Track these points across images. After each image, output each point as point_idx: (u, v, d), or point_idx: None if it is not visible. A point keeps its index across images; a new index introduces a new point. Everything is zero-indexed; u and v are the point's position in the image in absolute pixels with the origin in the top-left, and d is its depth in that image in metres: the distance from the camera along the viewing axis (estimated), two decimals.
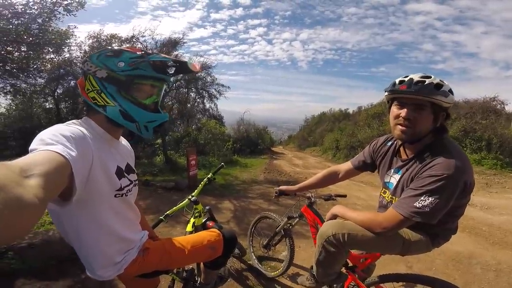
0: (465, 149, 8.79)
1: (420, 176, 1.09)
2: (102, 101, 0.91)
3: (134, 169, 1.12)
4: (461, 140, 9.07)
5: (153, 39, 8.42)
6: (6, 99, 8.01)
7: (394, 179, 1.28)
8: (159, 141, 9.78)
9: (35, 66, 6.03)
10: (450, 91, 1.09)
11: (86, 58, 0.95)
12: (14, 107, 9.49)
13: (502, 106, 10.30)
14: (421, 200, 1.04)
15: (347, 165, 1.63)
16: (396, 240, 1.23)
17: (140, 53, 0.95)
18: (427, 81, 1.07)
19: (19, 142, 8.27)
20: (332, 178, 1.68)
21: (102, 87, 0.91)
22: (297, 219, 2.06)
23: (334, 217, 1.44)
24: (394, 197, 1.26)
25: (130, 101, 0.93)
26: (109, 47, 0.98)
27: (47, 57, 6.60)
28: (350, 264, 1.57)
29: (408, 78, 1.12)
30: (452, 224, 1.22)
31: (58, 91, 8.74)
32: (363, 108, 18.66)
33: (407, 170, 1.19)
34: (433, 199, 1.02)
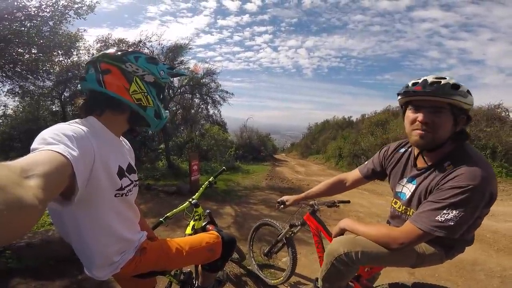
0: None
1: (441, 187, 1.00)
2: (146, 102, 0.98)
3: (135, 169, 1.13)
4: None
5: (159, 44, 8.55)
6: (14, 101, 8.14)
7: (407, 189, 1.20)
8: (162, 146, 9.83)
9: (44, 69, 6.13)
10: (469, 91, 1.02)
11: (123, 57, 0.95)
12: (21, 109, 9.64)
13: (507, 113, 10.19)
14: (443, 214, 0.96)
15: (355, 174, 1.54)
16: (411, 253, 1.16)
17: (169, 65, 1.18)
18: (443, 81, 1.01)
19: (25, 143, 8.38)
20: (339, 187, 1.59)
21: (148, 90, 0.99)
22: (299, 227, 2.00)
23: (342, 231, 1.34)
24: (408, 209, 1.19)
25: (161, 102, 1.07)
26: (143, 53, 1.05)
27: (57, 59, 6.71)
28: (355, 274, 1.54)
29: (422, 79, 1.05)
30: (468, 236, 1.15)
31: (65, 94, 8.86)
32: (366, 116, 18.61)
33: (424, 179, 1.11)
34: (457, 212, 0.94)
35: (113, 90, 0.91)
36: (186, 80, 9.73)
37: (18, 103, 9.10)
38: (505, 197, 6.07)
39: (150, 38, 8.28)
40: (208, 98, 10.90)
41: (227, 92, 10.84)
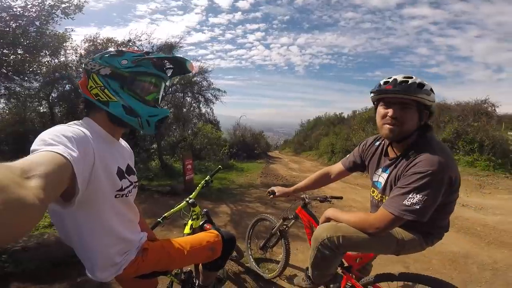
0: (458, 151, 8.91)
1: (406, 174, 1.11)
2: (105, 97, 0.93)
3: (135, 170, 1.12)
4: (454, 142, 9.19)
5: (149, 43, 8.41)
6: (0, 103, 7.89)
7: (382, 178, 1.31)
8: (154, 146, 9.71)
9: (31, 69, 5.96)
10: (432, 90, 1.14)
11: (89, 59, 0.97)
12: (7, 111, 9.35)
13: (493, 108, 10.49)
14: (409, 198, 1.05)
15: (338, 167, 1.67)
16: (390, 240, 1.25)
17: (142, 52, 0.99)
18: (410, 80, 1.12)
19: (12, 147, 8.14)
20: (324, 179, 1.72)
21: (105, 84, 0.93)
22: (293, 220, 2.09)
23: (328, 220, 1.44)
24: (383, 196, 1.28)
25: (133, 96, 0.96)
26: (112, 49, 1.00)
27: (44, 60, 6.53)
28: (346, 264, 1.59)
29: (392, 78, 1.16)
30: (443, 222, 1.24)
31: (53, 95, 8.63)
32: (357, 112, 18.82)
33: (394, 168, 1.22)
34: (421, 196, 1.03)
35: (82, 90, 0.97)
36: (177, 79, 9.62)
37: (4, 105, 8.80)
38: (493, 190, 6.22)
39: (140, 37, 8.13)
40: (200, 96, 10.80)
41: (219, 90, 10.77)
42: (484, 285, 2.32)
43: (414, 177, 1.06)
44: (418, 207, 1.03)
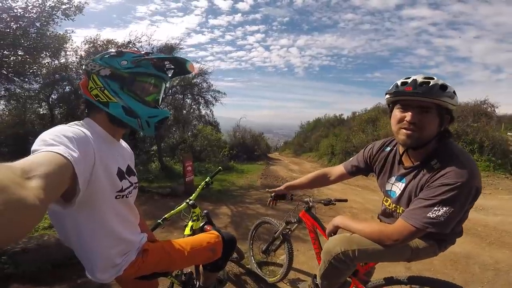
0: None
1: (431, 185, 1.03)
2: (104, 97, 0.93)
3: (135, 171, 1.12)
4: None
5: (149, 44, 8.43)
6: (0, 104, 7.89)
7: (396, 187, 1.22)
8: (154, 147, 9.71)
9: (31, 71, 5.97)
10: (455, 92, 1.05)
11: (90, 60, 0.97)
12: (7, 113, 9.35)
13: (493, 109, 10.50)
14: (434, 210, 0.99)
15: (339, 169, 1.59)
16: (405, 249, 1.19)
17: (142, 53, 0.99)
18: (432, 82, 1.03)
19: (12, 148, 8.12)
20: (322, 180, 1.65)
21: (105, 84, 0.93)
22: (296, 224, 2.04)
23: (336, 229, 1.36)
24: (398, 206, 1.22)
25: (132, 97, 0.96)
26: (112, 50, 1.00)
27: (44, 61, 6.54)
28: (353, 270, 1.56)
29: (411, 79, 1.07)
30: (458, 228, 1.19)
31: (53, 97, 8.64)
32: (357, 113, 18.83)
33: (413, 178, 1.14)
34: (447, 208, 0.97)
35: (82, 91, 0.97)
36: (177, 81, 9.63)
37: (4, 107, 8.81)
38: (493, 191, 6.23)
39: (140, 38, 8.17)
40: (200, 98, 10.82)
41: (219, 91, 10.79)
42: (486, 285, 2.32)
43: (442, 189, 0.99)
44: (443, 219, 0.98)
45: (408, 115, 1.05)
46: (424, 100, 1.02)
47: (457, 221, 1.02)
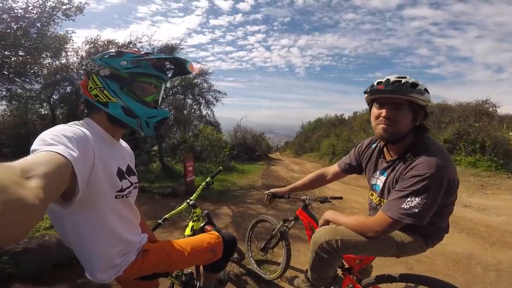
0: (459, 152, 8.87)
1: (404, 177, 1.10)
2: (104, 97, 0.93)
3: (135, 171, 1.12)
4: (455, 143, 9.15)
5: (150, 45, 8.45)
6: (1, 105, 7.92)
7: (380, 181, 1.29)
8: (155, 148, 9.73)
9: (32, 71, 5.98)
10: (426, 90, 1.13)
11: (90, 60, 0.97)
12: (8, 113, 9.39)
13: (494, 108, 10.47)
14: (408, 201, 1.04)
15: (334, 168, 1.67)
16: (389, 243, 1.24)
17: (142, 53, 0.98)
18: (403, 80, 1.12)
19: (13, 149, 8.15)
20: (321, 180, 1.73)
21: (105, 84, 0.93)
22: (293, 221, 2.10)
23: (327, 222, 1.43)
24: (382, 199, 1.27)
25: (132, 97, 0.95)
26: (112, 50, 1.00)
27: (45, 62, 6.56)
28: (346, 266, 1.58)
29: (385, 79, 1.16)
30: (442, 223, 1.23)
31: (54, 97, 8.67)
32: (358, 113, 18.80)
33: (392, 171, 1.21)
34: (419, 199, 1.02)
35: (82, 91, 0.97)
36: (178, 81, 9.64)
37: (5, 107, 8.84)
38: (496, 191, 6.19)
39: (141, 39, 8.18)
40: (201, 98, 10.82)
41: (220, 92, 10.79)
42: (488, 286, 2.30)
43: (412, 180, 1.05)
44: (417, 210, 1.02)
45: (383, 111, 1.15)
46: (396, 97, 1.11)
47: (432, 212, 1.06)
